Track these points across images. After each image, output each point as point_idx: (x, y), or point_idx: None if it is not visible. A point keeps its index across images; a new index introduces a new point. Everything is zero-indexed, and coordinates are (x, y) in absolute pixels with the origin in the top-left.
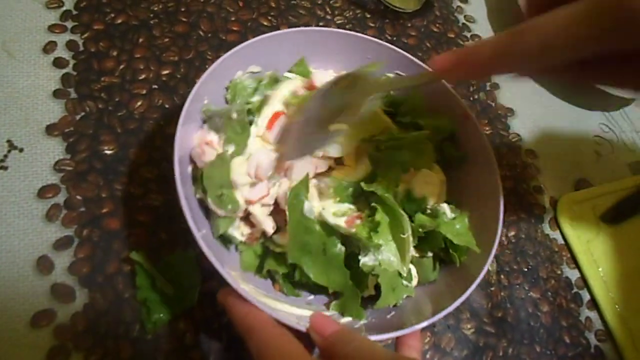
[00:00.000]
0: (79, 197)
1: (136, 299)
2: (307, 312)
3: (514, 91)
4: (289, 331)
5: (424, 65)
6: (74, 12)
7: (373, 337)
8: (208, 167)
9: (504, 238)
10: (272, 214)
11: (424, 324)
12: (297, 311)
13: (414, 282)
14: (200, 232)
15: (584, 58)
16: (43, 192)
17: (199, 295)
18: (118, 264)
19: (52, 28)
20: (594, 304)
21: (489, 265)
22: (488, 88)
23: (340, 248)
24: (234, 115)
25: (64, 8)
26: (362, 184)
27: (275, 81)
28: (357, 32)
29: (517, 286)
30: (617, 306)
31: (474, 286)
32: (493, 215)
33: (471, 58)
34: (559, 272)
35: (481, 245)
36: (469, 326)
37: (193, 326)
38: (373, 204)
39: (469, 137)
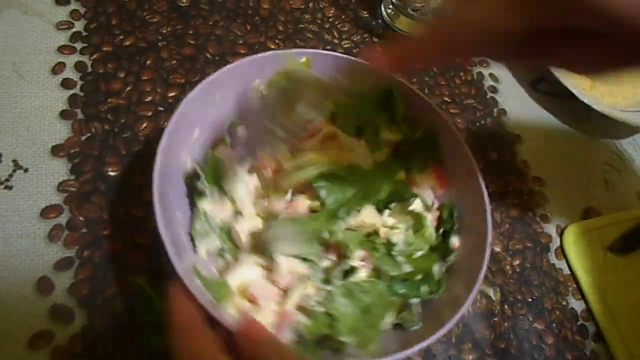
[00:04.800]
0: (81, 218)
1: (135, 322)
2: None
3: (521, 117)
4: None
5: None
6: (84, 34)
7: None
8: None
9: (508, 267)
10: None
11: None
12: None
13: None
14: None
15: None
16: (46, 212)
17: None
18: (118, 286)
19: (61, 49)
20: (600, 336)
21: (479, 284)
22: (495, 114)
23: None
24: None
25: (74, 29)
26: None
27: None
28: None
29: (521, 317)
30: (624, 339)
31: (466, 306)
32: (481, 219)
33: (410, 54)
34: (564, 303)
35: (470, 265)
36: (470, 357)
37: None
38: None
39: (449, 144)
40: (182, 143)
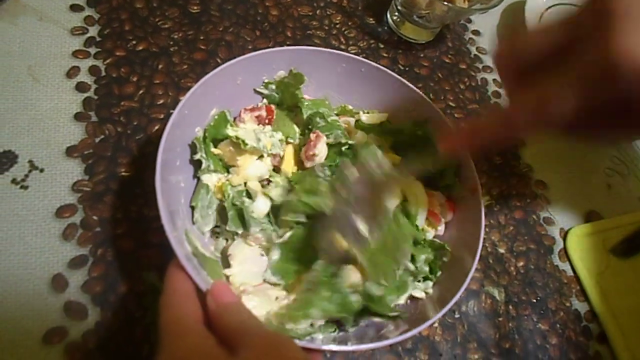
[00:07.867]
0: (95, 218)
1: (146, 318)
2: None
3: None
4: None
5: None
6: (98, 39)
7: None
8: None
9: (512, 268)
10: None
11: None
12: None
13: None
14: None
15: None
16: (61, 212)
17: None
18: (130, 283)
19: (76, 54)
20: (603, 337)
21: (469, 280)
22: None
23: None
24: None
25: (88, 35)
26: None
27: None
28: (370, 61)
29: (526, 317)
30: (627, 341)
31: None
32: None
33: (478, 135)
34: (568, 304)
35: (463, 265)
36: (476, 356)
37: None
38: None
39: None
40: (196, 118)
